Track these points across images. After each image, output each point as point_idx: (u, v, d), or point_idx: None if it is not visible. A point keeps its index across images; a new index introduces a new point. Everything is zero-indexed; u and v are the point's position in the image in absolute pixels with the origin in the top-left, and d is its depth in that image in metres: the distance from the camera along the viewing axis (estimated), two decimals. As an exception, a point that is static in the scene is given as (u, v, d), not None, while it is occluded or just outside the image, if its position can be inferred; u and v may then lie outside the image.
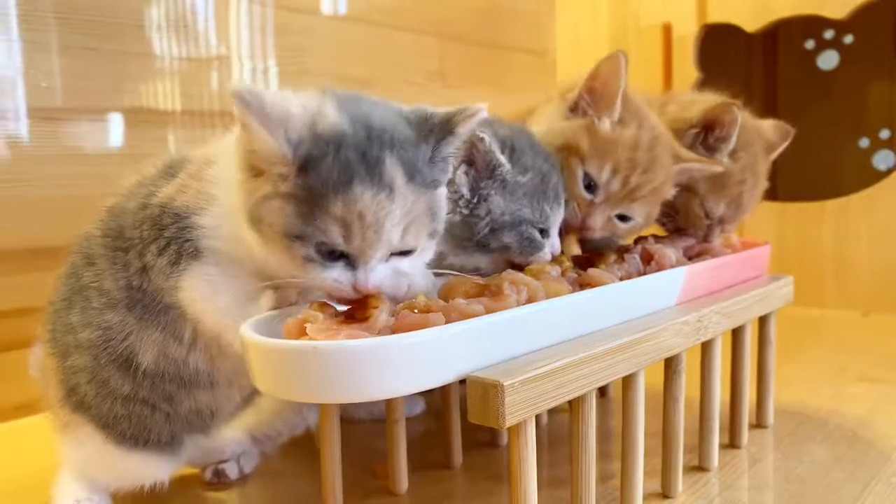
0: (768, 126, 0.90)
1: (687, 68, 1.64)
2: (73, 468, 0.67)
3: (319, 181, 0.49)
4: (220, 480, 0.75)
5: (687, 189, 0.82)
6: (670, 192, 0.79)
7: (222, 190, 0.57)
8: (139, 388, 0.62)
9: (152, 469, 0.66)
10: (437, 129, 0.54)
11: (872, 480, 0.70)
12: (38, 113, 0.97)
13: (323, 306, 0.52)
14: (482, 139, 0.64)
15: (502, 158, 0.66)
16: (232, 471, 0.75)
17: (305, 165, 0.49)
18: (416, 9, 1.48)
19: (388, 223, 0.51)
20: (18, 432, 0.92)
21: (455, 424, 0.76)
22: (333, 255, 0.51)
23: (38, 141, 0.98)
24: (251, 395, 0.72)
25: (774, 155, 0.89)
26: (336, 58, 1.33)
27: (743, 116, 0.82)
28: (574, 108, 0.74)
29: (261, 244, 0.53)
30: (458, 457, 0.77)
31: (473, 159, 0.66)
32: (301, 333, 0.49)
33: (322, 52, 1.30)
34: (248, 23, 1.19)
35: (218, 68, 1.15)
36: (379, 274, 0.52)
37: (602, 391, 0.94)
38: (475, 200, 0.66)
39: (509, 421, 0.47)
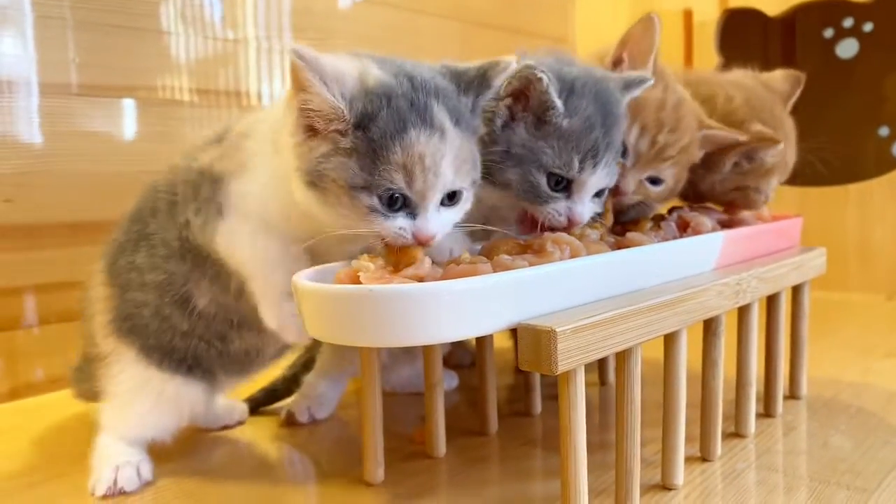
0: (779, 78, 0.91)
1: (708, 53, 1.64)
2: (110, 423, 0.69)
3: (377, 132, 0.52)
4: (291, 422, 0.81)
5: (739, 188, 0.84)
6: (697, 156, 0.79)
7: (258, 158, 0.61)
8: (196, 326, 0.67)
9: (188, 397, 0.69)
10: (475, 82, 0.58)
11: (911, 446, 0.70)
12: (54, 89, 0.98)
13: (372, 258, 0.52)
14: (540, 79, 0.62)
15: (557, 101, 0.63)
16: (302, 415, 0.81)
17: (362, 120, 0.52)
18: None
19: (444, 163, 0.54)
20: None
21: (491, 392, 0.77)
22: (394, 204, 0.53)
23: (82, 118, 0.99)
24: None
25: (790, 103, 0.90)
26: (357, 41, 1.33)
27: (777, 113, 0.84)
28: (613, 68, 0.74)
29: (320, 201, 0.54)
30: (493, 424, 0.77)
31: (527, 95, 0.64)
32: (353, 282, 0.49)
33: (343, 34, 1.30)
34: (268, 4, 1.19)
35: (243, 50, 1.16)
36: (437, 221, 0.55)
37: (602, 379, 0.93)
38: (502, 129, 0.65)
39: (561, 367, 0.47)
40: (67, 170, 0.97)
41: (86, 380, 0.75)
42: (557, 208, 0.66)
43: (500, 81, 0.59)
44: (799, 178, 0.92)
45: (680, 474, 0.63)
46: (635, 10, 1.75)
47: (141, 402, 0.68)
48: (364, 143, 0.52)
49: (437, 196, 0.54)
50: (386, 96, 0.53)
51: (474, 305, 0.48)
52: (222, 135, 0.65)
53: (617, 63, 0.74)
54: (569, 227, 0.66)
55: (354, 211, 0.53)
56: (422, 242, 0.55)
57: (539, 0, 1.72)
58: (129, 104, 1.04)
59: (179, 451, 0.74)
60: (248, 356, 0.71)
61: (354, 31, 1.32)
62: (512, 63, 0.60)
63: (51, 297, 0.97)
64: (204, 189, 0.62)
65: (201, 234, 0.63)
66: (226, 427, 0.81)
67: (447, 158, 0.54)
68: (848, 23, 1.71)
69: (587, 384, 0.52)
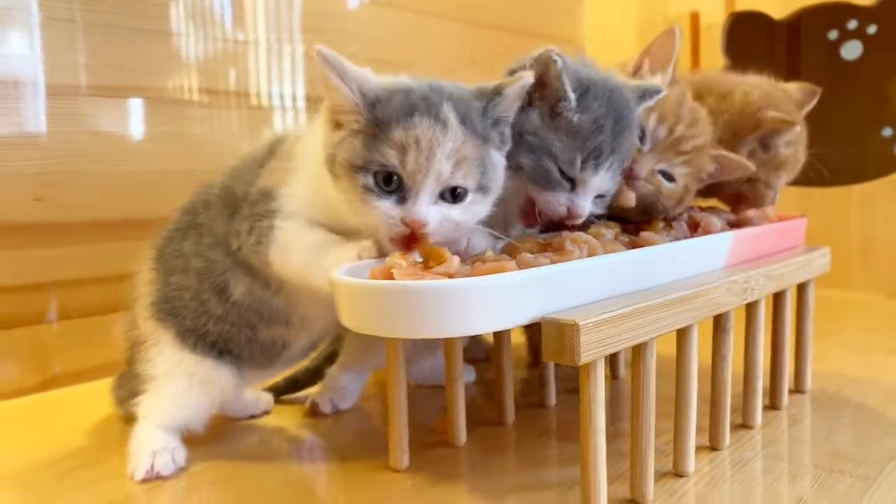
0: (795, 88, 0.96)
1: (714, 55, 1.67)
2: (147, 413, 0.73)
3: (384, 115, 0.58)
4: (315, 413, 0.85)
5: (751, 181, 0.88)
6: (708, 168, 0.82)
7: (303, 158, 0.66)
8: (229, 313, 0.72)
9: (218, 379, 0.73)
10: (489, 92, 0.63)
11: (911, 437, 0.73)
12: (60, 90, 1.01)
13: (404, 256, 0.56)
14: (555, 61, 0.65)
15: (570, 93, 0.67)
16: (326, 405, 0.85)
17: (373, 105, 0.58)
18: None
19: (440, 152, 0.58)
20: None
21: (508, 385, 0.80)
22: (389, 185, 0.58)
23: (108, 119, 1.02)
24: (315, 343, 0.80)
25: (804, 112, 0.95)
26: (367, 42, 1.35)
27: (791, 109, 0.88)
28: (634, 74, 0.78)
29: (333, 185, 0.60)
30: (510, 415, 0.80)
31: (545, 82, 0.67)
32: (387, 278, 0.52)
33: (353, 36, 1.33)
34: (278, 6, 1.22)
35: (253, 51, 1.19)
36: (427, 209, 0.58)
37: (614, 374, 0.97)
38: (518, 111, 0.67)
39: (584, 359, 0.50)
40: (91, 170, 1.01)
41: (126, 384, 0.79)
42: (559, 198, 0.69)
43: (513, 91, 0.63)
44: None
45: (691, 462, 0.66)
46: (643, 12, 1.78)
47: (175, 382, 0.72)
48: (372, 124, 0.58)
49: (429, 182, 0.58)
50: (401, 91, 0.59)
51: (501, 300, 0.51)
52: (278, 142, 0.71)
53: (637, 69, 0.77)
54: (568, 219, 0.70)
55: (353, 191, 0.58)
56: (413, 229, 0.58)
57: (548, 1, 1.75)
58: (143, 104, 1.07)
59: (211, 439, 0.78)
60: (275, 346, 0.75)
61: (364, 32, 1.34)
62: (527, 77, 0.64)
63: (75, 292, 1.01)
64: (259, 205, 0.67)
65: (255, 255, 0.67)
66: (252, 416, 0.85)
67: (444, 148, 0.58)
68: (852, 25, 1.73)
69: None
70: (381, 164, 0.57)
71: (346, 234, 0.63)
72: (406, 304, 0.49)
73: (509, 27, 1.66)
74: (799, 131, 0.89)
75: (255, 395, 0.86)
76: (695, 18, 1.69)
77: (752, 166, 0.83)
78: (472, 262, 0.58)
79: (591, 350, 0.51)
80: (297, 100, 1.25)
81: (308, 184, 0.65)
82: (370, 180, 0.58)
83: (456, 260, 0.55)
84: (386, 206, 0.58)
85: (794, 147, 0.89)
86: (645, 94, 0.72)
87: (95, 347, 1.02)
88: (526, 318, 0.53)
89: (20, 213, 0.95)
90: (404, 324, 0.50)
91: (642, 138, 0.76)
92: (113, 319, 1.00)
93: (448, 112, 0.59)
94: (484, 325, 0.52)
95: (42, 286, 0.98)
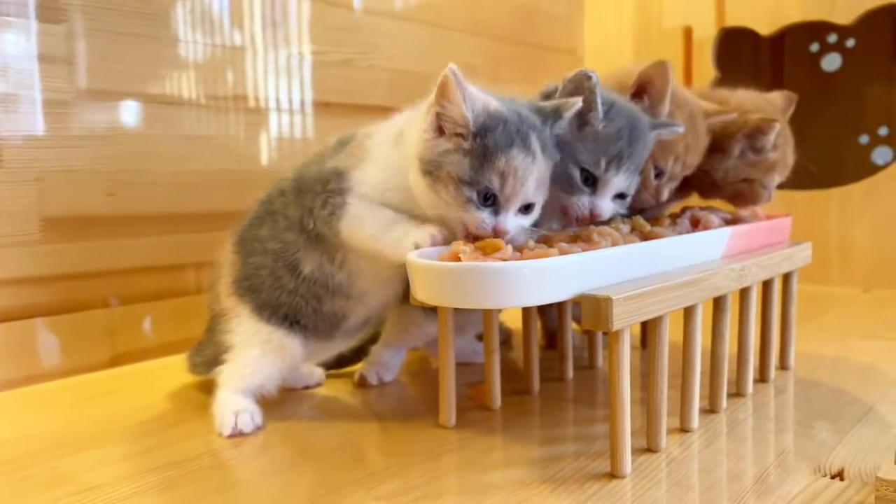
0: (776, 96, 1.11)
1: (706, 68, 1.80)
2: (227, 380, 0.84)
3: (491, 143, 0.69)
4: (363, 384, 0.98)
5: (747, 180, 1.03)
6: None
7: (375, 148, 0.79)
8: (299, 287, 0.83)
9: (288, 347, 0.84)
10: (551, 116, 0.77)
11: (880, 401, 0.86)
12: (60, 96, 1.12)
13: (465, 243, 0.68)
14: (590, 77, 0.79)
15: (600, 105, 0.80)
16: (372, 378, 0.98)
17: (480, 131, 0.70)
18: (453, 7, 1.63)
19: (530, 179, 0.71)
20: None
21: (534, 358, 0.92)
22: (487, 201, 0.71)
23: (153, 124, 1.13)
24: (368, 318, 0.91)
25: (786, 116, 1.09)
26: (382, 53, 1.46)
27: (777, 115, 1.03)
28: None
29: (428, 185, 0.72)
30: (536, 384, 0.93)
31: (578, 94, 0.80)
32: (454, 259, 0.65)
33: (351, 45, 1.41)
34: (286, 15, 1.31)
35: (261, 58, 1.31)
36: (512, 221, 0.72)
37: (643, 342, 1.10)
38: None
39: (616, 326, 0.63)
40: (158, 168, 1.12)
41: (203, 351, 0.91)
42: (582, 201, 0.83)
43: (569, 115, 0.77)
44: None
45: (695, 420, 0.78)
46: (640, 27, 1.91)
47: (252, 350, 0.83)
48: (479, 149, 0.69)
49: (518, 202, 0.72)
50: (501, 119, 0.71)
51: (547, 279, 0.64)
52: (346, 140, 0.83)
53: (636, 97, 0.89)
54: (591, 218, 0.83)
55: (457, 199, 0.70)
56: (497, 235, 0.71)
57: (551, 16, 1.88)
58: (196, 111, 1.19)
59: (279, 405, 0.89)
60: (336, 317, 0.86)
61: (380, 43, 1.45)
62: (578, 102, 0.78)
63: (140, 278, 1.12)
64: (332, 183, 0.78)
65: (326, 226, 0.79)
66: (307, 387, 0.97)
67: (533, 176, 0.72)
68: (832, 38, 1.87)
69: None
70: (486, 187, 0.70)
71: (403, 212, 0.76)
72: (478, 281, 0.62)
73: (517, 40, 1.78)
74: (781, 131, 1.02)
75: (310, 368, 0.97)
76: (688, 32, 1.83)
77: (733, 114, 0.98)
78: (517, 250, 0.70)
79: (621, 320, 0.63)
80: (306, 105, 1.34)
81: (378, 173, 0.77)
82: (474, 195, 0.70)
83: (509, 248, 0.67)
84: (483, 216, 0.71)
85: (782, 150, 1.02)
86: (657, 126, 0.86)
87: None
88: (566, 295, 0.65)
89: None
90: (476, 297, 0.62)
91: (660, 175, 0.91)
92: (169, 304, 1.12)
93: (535, 144, 0.72)
94: (533, 299, 0.64)
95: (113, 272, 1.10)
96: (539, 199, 0.75)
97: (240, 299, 0.85)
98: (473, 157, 0.70)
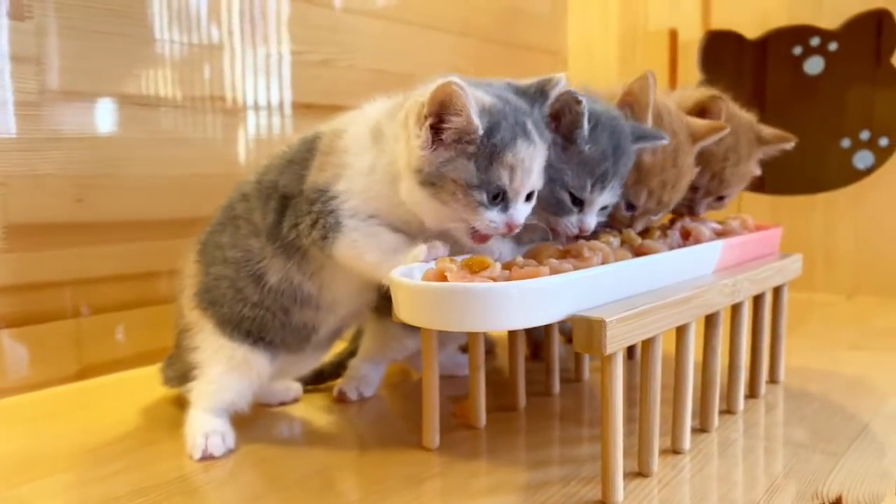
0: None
1: (691, 70, 1.78)
2: (198, 398, 0.80)
3: (498, 142, 0.66)
4: (342, 399, 0.94)
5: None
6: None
7: (353, 155, 0.73)
8: (265, 299, 0.79)
9: (254, 362, 0.80)
10: (536, 95, 0.73)
11: (873, 418, 0.84)
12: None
13: (452, 260, 0.64)
14: (580, 102, 0.75)
15: (586, 127, 0.76)
16: (352, 393, 0.94)
17: (486, 133, 0.66)
18: (435, 7, 1.59)
19: (535, 166, 0.69)
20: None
21: (520, 376, 0.89)
22: (496, 199, 0.68)
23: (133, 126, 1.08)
24: (339, 329, 0.88)
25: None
26: (362, 54, 1.42)
27: (728, 106, 0.97)
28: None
29: (430, 196, 0.68)
30: (522, 399, 0.90)
31: (561, 115, 0.76)
32: (440, 279, 0.61)
33: (330, 43, 1.36)
34: (266, 12, 1.26)
35: (253, 57, 1.27)
36: (520, 212, 0.70)
37: (630, 353, 1.08)
38: None
39: (609, 350, 0.60)
40: (130, 172, 1.08)
41: (173, 365, 0.87)
42: (572, 221, 0.79)
43: (554, 93, 0.74)
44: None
45: (687, 441, 0.76)
46: (625, 28, 1.89)
47: (217, 364, 0.80)
48: (486, 150, 0.66)
49: (525, 192, 0.69)
50: (500, 115, 0.67)
51: (537, 300, 0.61)
52: (311, 139, 0.77)
53: (621, 108, 0.86)
54: (580, 234, 0.80)
55: (466, 205, 0.67)
56: (510, 229, 0.69)
57: (535, 17, 1.85)
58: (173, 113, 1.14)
59: (254, 423, 0.85)
60: (305, 329, 0.82)
61: (360, 43, 1.41)
62: (562, 78, 0.74)
63: (109, 287, 1.07)
64: (317, 203, 0.73)
65: (316, 246, 0.74)
66: (283, 403, 0.93)
67: (536, 162, 0.69)
68: (815, 42, 1.86)
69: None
70: (496, 185, 0.67)
71: (403, 226, 0.72)
72: (465, 303, 0.58)
73: (501, 40, 1.75)
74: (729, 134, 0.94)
75: (286, 383, 0.94)
76: (673, 35, 1.81)
77: (727, 129, 0.91)
78: (506, 267, 0.66)
79: (614, 342, 0.60)
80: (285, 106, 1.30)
81: (362, 182, 0.72)
82: (484, 197, 0.67)
83: (498, 266, 0.63)
84: (493, 216, 0.68)
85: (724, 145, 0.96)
86: (641, 137, 0.81)
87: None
88: (557, 316, 0.62)
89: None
90: (462, 319, 0.59)
91: (633, 208, 0.86)
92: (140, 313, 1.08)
93: (532, 130, 0.69)
94: (523, 322, 0.61)
95: (80, 281, 1.05)
96: (539, 185, 0.72)
97: (203, 313, 0.81)
98: (480, 159, 0.66)
